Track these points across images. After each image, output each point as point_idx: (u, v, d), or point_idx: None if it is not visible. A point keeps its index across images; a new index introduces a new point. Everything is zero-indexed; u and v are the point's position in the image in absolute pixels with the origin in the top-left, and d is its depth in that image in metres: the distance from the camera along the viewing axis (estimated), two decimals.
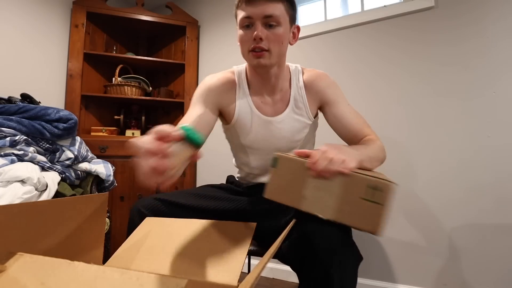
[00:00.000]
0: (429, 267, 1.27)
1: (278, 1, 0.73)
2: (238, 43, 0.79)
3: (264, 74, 0.81)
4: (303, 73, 0.87)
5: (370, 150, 0.69)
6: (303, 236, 0.59)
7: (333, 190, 0.54)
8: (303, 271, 0.60)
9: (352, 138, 0.81)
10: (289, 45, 0.81)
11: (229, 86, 0.85)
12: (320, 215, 0.55)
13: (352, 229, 0.62)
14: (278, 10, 0.73)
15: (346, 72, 1.53)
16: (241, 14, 0.75)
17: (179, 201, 0.77)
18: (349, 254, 0.56)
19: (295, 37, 0.82)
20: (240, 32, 0.77)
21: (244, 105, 0.84)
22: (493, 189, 1.18)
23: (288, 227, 0.52)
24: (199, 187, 0.92)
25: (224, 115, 0.87)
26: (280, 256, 0.71)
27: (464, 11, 1.29)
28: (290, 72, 0.86)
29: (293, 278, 1.56)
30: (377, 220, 0.51)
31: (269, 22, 0.73)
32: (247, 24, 0.75)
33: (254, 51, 0.74)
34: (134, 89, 1.92)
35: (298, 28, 0.83)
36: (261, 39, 0.73)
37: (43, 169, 1.26)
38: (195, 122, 0.73)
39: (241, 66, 0.88)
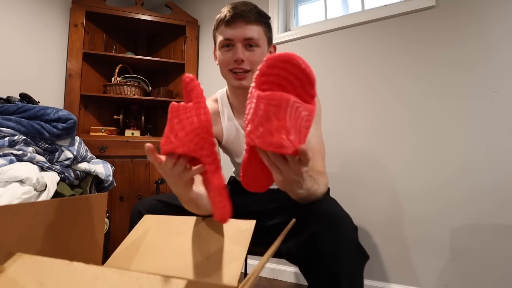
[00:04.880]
0: (430, 267, 1.27)
1: (257, 24, 0.76)
2: (217, 63, 0.82)
3: (246, 94, 0.82)
4: None
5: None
6: (309, 238, 0.59)
7: None
8: (311, 273, 0.60)
9: None
10: None
11: (213, 115, 0.86)
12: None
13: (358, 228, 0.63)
14: (257, 32, 0.76)
15: (346, 72, 1.53)
16: (220, 36, 0.78)
17: (178, 203, 0.77)
18: (354, 256, 0.56)
19: None
20: (219, 53, 0.79)
21: (231, 128, 0.87)
22: (494, 189, 1.18)
23: (287, 227, 0.52)
24: None
25: (217, 138, 0.89)
26: (288, 256, 0.70)
27: (464, 10, 1.28)
28: None
29: (293, 278, 1.55)
30: None
31: (249, 43, 0.76)
32: (227, 44, 0.77)
33: (235, 72, 0.77)
34: (133, 89, 1.92)
35: (275, 48, 0.86)
36: (242, 60, 0.75)
37: (42, 169, 1.25)
38: None
39: (222, 90, 0.92)
